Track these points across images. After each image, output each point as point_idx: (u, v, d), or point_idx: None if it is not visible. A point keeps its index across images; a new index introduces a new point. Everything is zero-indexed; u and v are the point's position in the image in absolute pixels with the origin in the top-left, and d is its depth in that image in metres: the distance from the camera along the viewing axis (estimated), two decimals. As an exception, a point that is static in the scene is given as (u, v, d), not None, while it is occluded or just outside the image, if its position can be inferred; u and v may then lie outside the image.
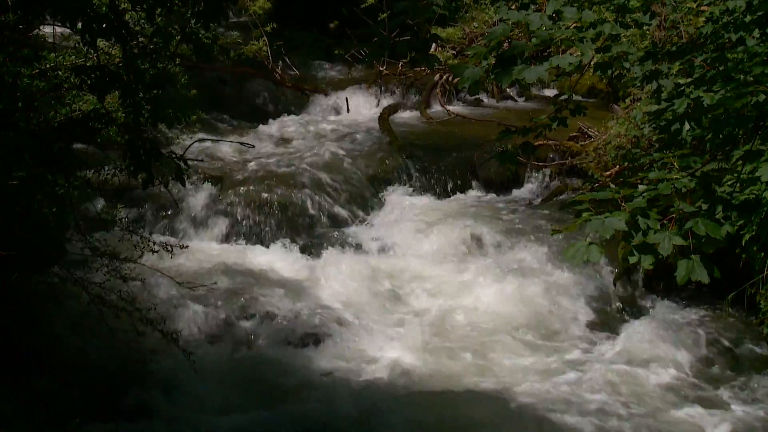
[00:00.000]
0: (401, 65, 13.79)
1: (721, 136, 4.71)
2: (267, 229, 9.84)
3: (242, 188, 10.21)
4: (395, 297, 8.80)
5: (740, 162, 4.60)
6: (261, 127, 12.72)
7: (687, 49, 4.99)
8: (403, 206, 10.53)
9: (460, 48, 14.39)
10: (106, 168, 6.81)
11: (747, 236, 6.12)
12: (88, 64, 5.73)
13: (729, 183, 4.71)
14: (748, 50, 4.75)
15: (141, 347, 6.66)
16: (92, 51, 5.45)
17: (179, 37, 5.41)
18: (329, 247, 9.56)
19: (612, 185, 3.99)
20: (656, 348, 7.85)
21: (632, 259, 3.61)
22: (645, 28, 7.73)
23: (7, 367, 6.24)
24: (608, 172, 9.93)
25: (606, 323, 8.45)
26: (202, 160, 9.92)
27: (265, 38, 13.72)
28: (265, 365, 7.56)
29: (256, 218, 9.90)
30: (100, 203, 8.13)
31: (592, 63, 4.59)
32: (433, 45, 13.25)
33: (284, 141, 12.02)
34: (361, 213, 10.39)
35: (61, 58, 7.36)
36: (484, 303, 8.54)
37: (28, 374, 6.45)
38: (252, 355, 7.77)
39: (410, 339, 7.97)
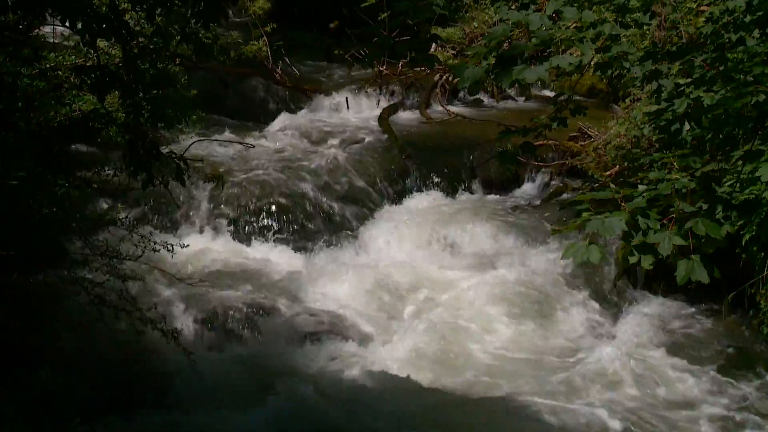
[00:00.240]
0: (401, 65, 13.78)
1: (721, 136, 4.72)
2: (266, 228, 9.85)
3: (242, 188, 10.20)
4: (393, 297, 8.80)
5: (740, 162, 4.60)
6: (261, 127, 12.72)
7: (687, 49, 4.98)
8: (402, 206, 10.54)
9: (460, 48, 14.38)
10: (106, 168, 6.81)
11: (747, 236, 6.11)
12: (88, 64, 5.74)
13: (729, 183, 4.70)
14: (748, 50, 4.76)
15: (141, 346, 6.65)
16: (92, 51, 5.46)
17: (179, 37, 5.41)
18: (328, 247, 9.60)
19: (612, 185, 3.98)
20: (656, 348, 7.87)
21: (632, 259, 3.62)
22: (645, 28, 7.72)
23: (7, 367, 6.23)
24: (608, 172, 9.93)
25: (606, 323, 8.46)
26: (201, 160, 9.90)
27: (265, 38, 13.72)
28: (265, 364, 7.57)
29: (255, 218, 9.91)
30: (100, 203, 8.13)
31: (592, 63, 4.60)
32: (433, 45, 13.24)
33: (284, 141, 12.00)
34: (360, 213, 10.39)
35: (61, 58, 7.37)
36: (484, 303, 8.54)
37: (28, 374, 6.45)
38: (251, 353, 7.78)
39: (409, 339, 7.97)
